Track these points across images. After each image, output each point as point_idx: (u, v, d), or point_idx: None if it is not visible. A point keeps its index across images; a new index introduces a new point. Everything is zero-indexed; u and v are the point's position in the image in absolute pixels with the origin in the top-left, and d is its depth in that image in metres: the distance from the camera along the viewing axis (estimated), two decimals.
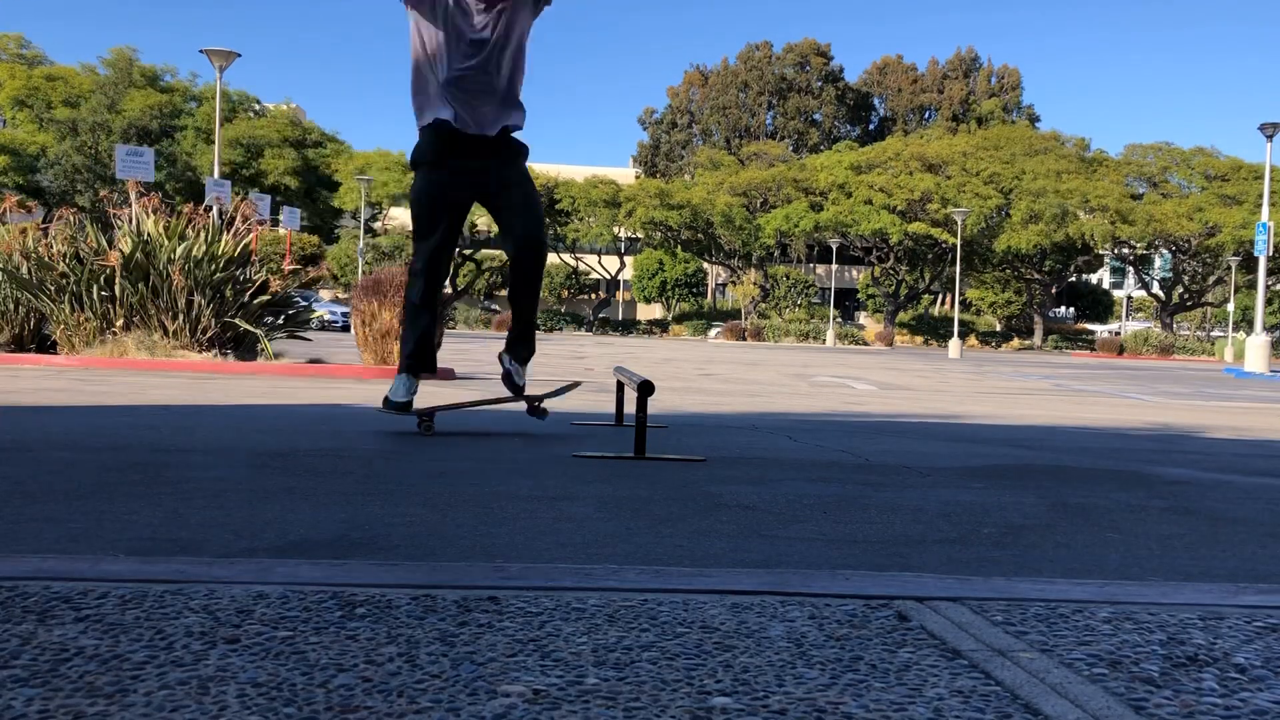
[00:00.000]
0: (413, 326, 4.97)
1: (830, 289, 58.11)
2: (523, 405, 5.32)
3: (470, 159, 4.80)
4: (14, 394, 6.64)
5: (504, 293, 63.92)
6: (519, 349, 5.14)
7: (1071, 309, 66.35)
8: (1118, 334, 57.77)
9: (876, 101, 76.66)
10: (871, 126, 75.47)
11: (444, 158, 4.80)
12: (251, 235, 11.19)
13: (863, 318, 63.73)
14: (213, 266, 10.33)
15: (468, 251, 59.57)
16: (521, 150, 4.96)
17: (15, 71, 53.07)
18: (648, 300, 59.70)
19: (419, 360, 4.99)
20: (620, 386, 5.85)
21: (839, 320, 57.11)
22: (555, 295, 62.92)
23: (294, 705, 1.36)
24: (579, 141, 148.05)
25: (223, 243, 10.55)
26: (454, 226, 4.94)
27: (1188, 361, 41.42)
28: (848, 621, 1.85)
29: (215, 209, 11.48)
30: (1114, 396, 11.75)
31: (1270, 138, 24.81)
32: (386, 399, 5.00)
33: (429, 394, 7.97)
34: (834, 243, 54.48)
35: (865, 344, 50.02)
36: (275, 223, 20.71)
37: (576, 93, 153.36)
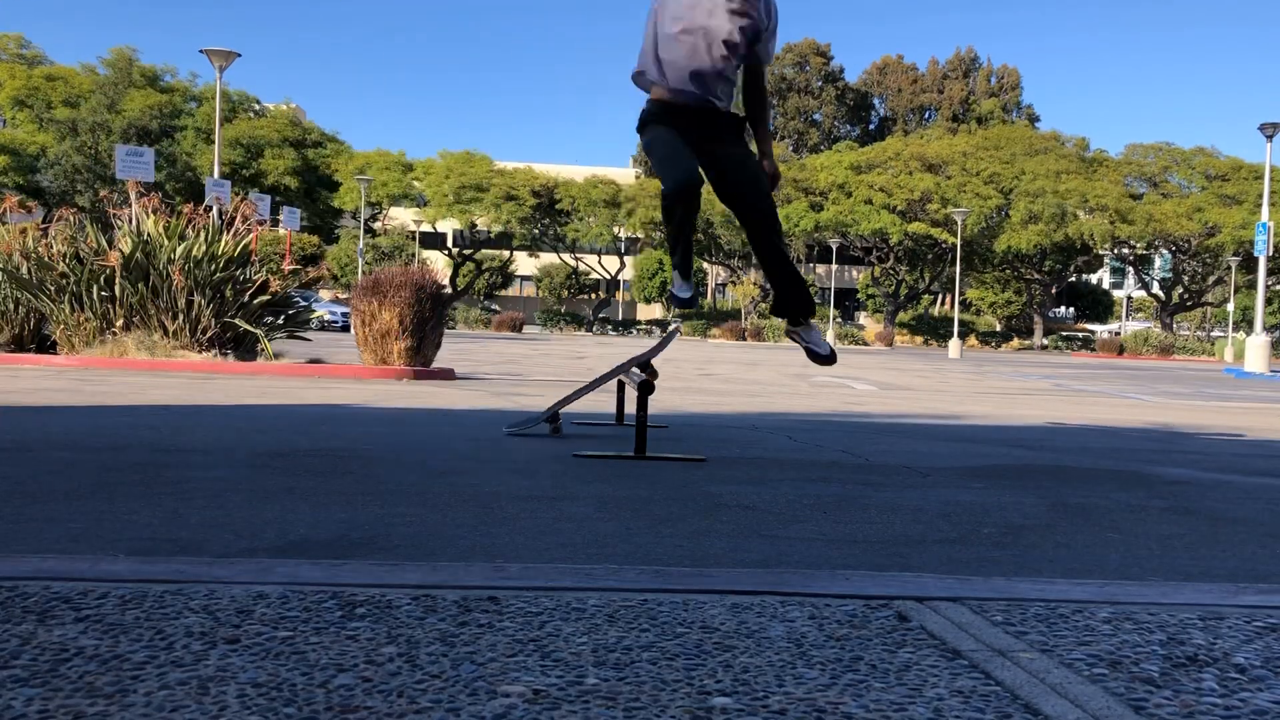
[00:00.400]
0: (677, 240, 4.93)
1: (830, 289, 58.11)
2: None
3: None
4: (14, 394, 6.64)
5: (504, 292, 64.04)
6: (793, 311, 4.79)
7: (1071, 309, 66.33)
8: (1118, 334, 57.78)
9: (876, 101, 76.67)
10: (871, 126, 75.49)
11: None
12: (251, 235, 11.19)
13: (863, 318, 63.70)
14: (213, 266, 10.33)
15: (468, 251, 59.56)
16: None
17: (15, 71, 53.03)
18: (648, 300, 59.67)
19: (688, 268, 4.99)
20: (620, 386, 5.85)
21: (839, 320, 57.08)
22: (555, 295, 62.87)
23: (294, 705, 1.35)
24: (579, 141, 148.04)
25: (223, 243, 10.55)
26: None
27: (1188, 361, 41.41)
28: (848, 621, 1.85)
29: (215, 209, 11.48)
30: (1114, 396, 11.75)
31: (1270, 138, 24.80)
32: (672, 294, 4.98)
33: (430, 394, 7.97)
34: (834, 243, 54.46)
35: (865, 344, 50.00)
36: (275, 223, 20.69)
37: (577, 93, 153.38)
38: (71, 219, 11.09)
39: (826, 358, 4.73)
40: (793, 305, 4.73)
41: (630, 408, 4.86)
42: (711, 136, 4.76)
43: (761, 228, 4.75)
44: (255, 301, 10.62)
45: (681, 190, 4.65)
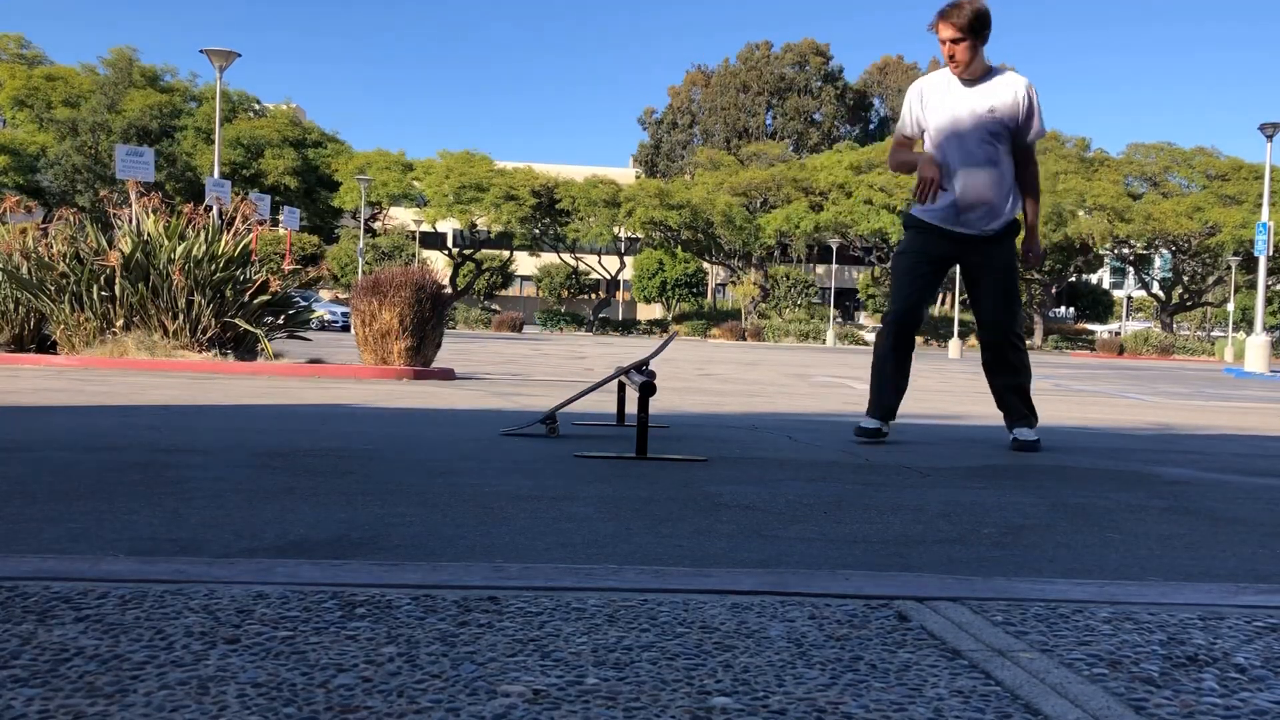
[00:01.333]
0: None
1: (830, 289, 58.12)
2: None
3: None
4: (14, 394, 6.64)
5: (504, 292, 64.05)
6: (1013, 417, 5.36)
7: (1071, 309, 66.35)
8: (1118, 334, 57.77)
9: (876, 101, 76.68)
10: (872, 126, 75.50)
11: None
12: (251, 235, 11.19)
13: (863, 318, 63.71)
14: (213, 266, 10.33)
15: (468, 251, 59.55)
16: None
17: (15, 71, 53.02)
18: (648, 300, 59.69)
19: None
20: (621, 386, 5.85)
21: (839, 320, 57.11)
22: (555, 295, 62.84)
23: (294, 705, 1.35)
24: (579, 141, 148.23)
25: (223, 243, 10.55)
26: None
27: (1188, 361, 41.41)
28: (848, 621, 1.85)
29: (215, 209, 11.48)
30: (1114, 396, 11.75)
31: (1270, 138, 24.80)
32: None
33: (430, 394, 7.96)
34: (834, 243, 54.48)
35: (865, 344, 50.01)
36: (275, 223, 20.68)
37: (577, 93, 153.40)
38: (71, 219, 11.09)
39: (1027, 444, 5.21)
40: (1021, 412, 5.35)
41: (631, 408, 4.87)
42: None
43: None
44: (255, 301, 10.63)
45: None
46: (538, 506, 3.11)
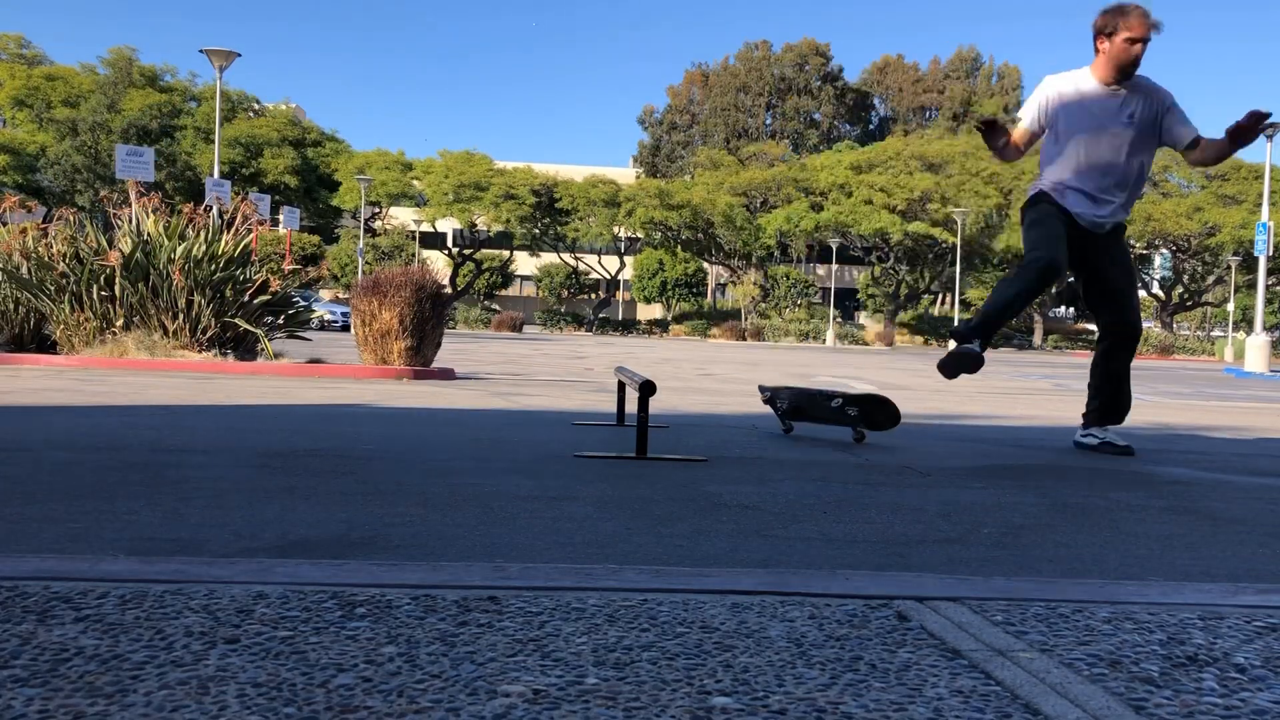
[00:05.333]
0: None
1: (830, 289, 58.11)
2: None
3: None
4: (14, 394, 6.64)
5: (504, 292, 64.07)
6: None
7: (1071, 309, 66.34)
8: None
9: (877, 101, 76.73)
10: (872, 126, 75.54)
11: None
12: (251, 235, 11.19)
13: (863, 318, 63.69)
14: (213, 266, 10.33)
15: (468, 251, 59.58)
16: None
17: (15, 71, 53.00)
18: (648, 300, 59.68)
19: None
20: (621, 386, 5.85)
21: (839, 320, 57.08)
22: (555, 295, 62.85)
23: (294, 705, 1.35)
24: (579, 141, 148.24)
25: (223, 242, 10.55)
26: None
27: (1188, 361, 41.40)
28: (848, 621, 1.85)
29: (215, 209, 11.48)
30: None
31: (1270, 138, 24.79)
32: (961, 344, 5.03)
33: (430, 393, 7.96)
34: (834, 243, 54.47)
35: (865, 344, 50.01)
36: (275, 222, 20.70)
37: (576, 93, 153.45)
38: (71, 219, 11.08)
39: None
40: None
41: (631, 408, 4.87)
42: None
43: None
44: (255, 301, 10.63)
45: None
46: (538, 506, 3.11)
